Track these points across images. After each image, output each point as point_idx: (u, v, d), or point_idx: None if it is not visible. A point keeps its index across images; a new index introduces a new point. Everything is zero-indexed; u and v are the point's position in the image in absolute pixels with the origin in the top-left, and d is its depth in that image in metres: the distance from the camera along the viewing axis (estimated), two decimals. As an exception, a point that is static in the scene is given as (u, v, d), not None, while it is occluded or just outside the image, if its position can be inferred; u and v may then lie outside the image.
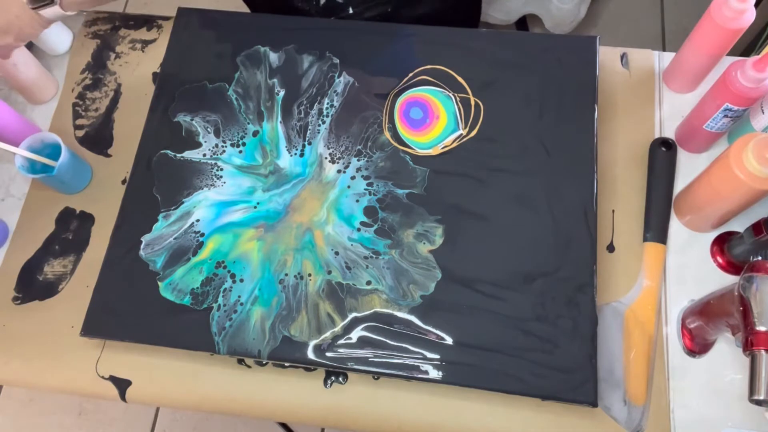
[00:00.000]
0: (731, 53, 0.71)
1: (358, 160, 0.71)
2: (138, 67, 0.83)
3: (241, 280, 0.66)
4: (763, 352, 0.49)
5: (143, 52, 0.84)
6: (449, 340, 0.62)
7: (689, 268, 0.68)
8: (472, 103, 0.72)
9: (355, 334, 0.63)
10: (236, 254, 0.67)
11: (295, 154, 0.72)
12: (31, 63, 0.79)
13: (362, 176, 0.70)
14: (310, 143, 0.72)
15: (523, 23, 1.54)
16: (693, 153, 0.72)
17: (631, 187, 0.71)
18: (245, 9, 0.92)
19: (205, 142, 0.73)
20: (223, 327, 0.64)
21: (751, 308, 0.51)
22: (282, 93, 0.75)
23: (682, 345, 0.65)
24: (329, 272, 0.66)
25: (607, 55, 0.77)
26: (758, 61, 0.58)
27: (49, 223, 0.76)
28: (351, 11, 0.83)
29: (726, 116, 0.64)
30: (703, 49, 0.68)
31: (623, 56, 0.78)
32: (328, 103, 0.73)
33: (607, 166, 0.72)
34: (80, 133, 0.80)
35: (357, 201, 0.69)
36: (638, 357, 0.63)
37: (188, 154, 0.73)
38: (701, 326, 0.61)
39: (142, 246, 0.69)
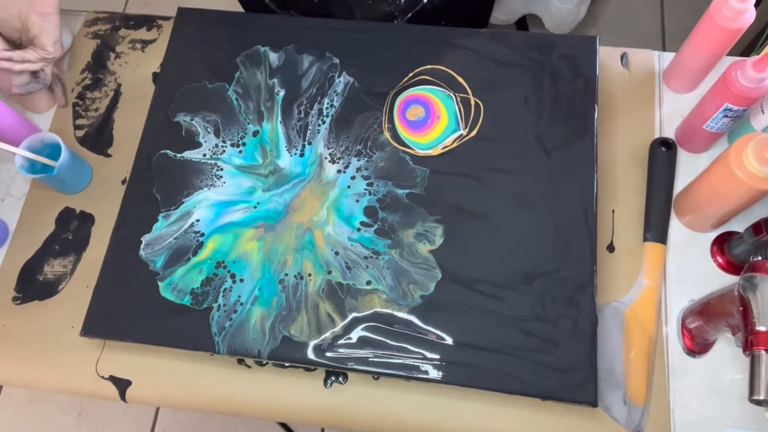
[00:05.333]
0: (731, 53, 0.71)
1: (358, 160, 0.71)
2: (138, 67, 0.83)
3: (241, 280, 0.66)
4: (763, 352, 0.49)
5: (143, 52, 0.84)
6: (449, 340, 0.62)
7: (689, 268, 0.68)
8: (472, 103, 0.72)
9: (355, 334, 0.63)
10: (236, 254, 0.67)
11: (295, 154, 0.72)
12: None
13: (362, 176, 0.70)
14: (310, 143, 0.72)
15: (523, 23, 1.53)
16: (693, 153, 0.72)
17: (631, 187, 0.71)
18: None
19: (205, 142, 0.73)
20: (223, 327, 0.64)
21: (751, 308, 0.51)
22: (282, 93, 0.75)
23: (682, 345, 0.65)
24: (329, 272, 0.66)
25: (607, 55, 0.77)
26: (758, 61, 0.58)
27: (49, 223, 0.76)
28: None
29: (726, 116, 0.64)
30: (703, 49, 0.68)
31: (623, 56, 0.78)
32: (328, 103, 0.73)
33: (607, 166, 0.72)
34: (80, 133, 0.80)
35: (357, 201, 0.69)
36: (638, 357, 0.63)
37: (188, 154, 0.73)
38: (701, 326, 0.61)
39: (142, 246, 0.69)
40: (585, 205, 0.66)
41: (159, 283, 0.67)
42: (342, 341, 0.63)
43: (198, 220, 0.69)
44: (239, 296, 0.65)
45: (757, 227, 0.60)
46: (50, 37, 0.72)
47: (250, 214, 0.69)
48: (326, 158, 0.71)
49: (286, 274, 0.66)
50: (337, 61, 0.75)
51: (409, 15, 0.82)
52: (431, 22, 0.83)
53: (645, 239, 0.68)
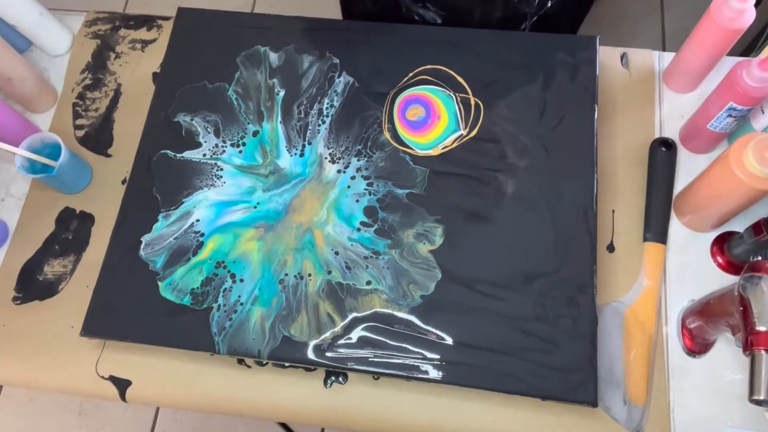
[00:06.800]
0: (731, 53, 0.71)
1: (358, 160, 0.71)
2: (138, 67, 0.83)
3: (241, 280, 0.66)
4: (763, 352, 0.49)
5: (143, 52, 0.84)
6: (449, 340, 0.62)
7: (689, 268, 0.68)
8: (472, 103, 0.72)
9: (355, 334, 0.63)
10: (236, 254, 0.67)
11: (295, 154, 0.72)
12: (28, 77, 0.78)
13: (362, 176, 0.70)
14: (310, 143, 0.72)
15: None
16: (697, 153, 0.72)
17: (631, 187, 0.71)
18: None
19: (205, 142, 0.73)
20: (223, 327, 0.64)
21: (751, 308, 0.51)
22: (282, 93, 0.75)
23: (682, 345, 0.65)
24: (329, 272, 0.66)
25: (607, 55, 0.77)
26: (764, 60, 0.58)
27: (49, 223, 0.76)
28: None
29: (730, 116, 0.64)
30: (703, 49, 0.68)
31: (623, 56, 0.78)
32: (328, 103, 0.73)
33: (607, 166, 0.72)
34: (80, 133, 0.80)
35: (357, 201, 0.69)
36: (638, 357, 0.63)
37: (188, 154, 0.73)
38: (701, 326, 0.61)
39: (142, 246, 0.69)
40: (585, 205, 0.66)
41: (159, 283, 0.67)
42: (342, 341, 0.63)
43: (198, 220, 0.69)
44: (239, 296, 0.65)
45: (757, 227, 0.60)
46: None
47: (250, 214, 0.69)
48: (326, 158, 0.71)
49: (286, 274, 0.66)
50: (337, 61, 0.75)
51: (535, 18, 0.83)
52: (549, 24, 0.84)
53: (645, 239, 0.68)
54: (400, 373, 0.61)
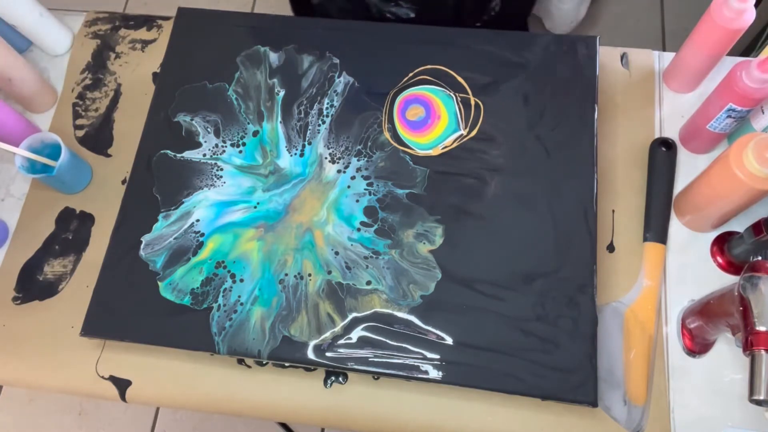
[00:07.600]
0: (731, 53, 0.71)
1: (358, 160, 0.71)
2: (138, 67, 0.83)
3: (241, 280, 0.66)
4: (763, 352, 0.49)
5: (143, 52, 0.84)
6: (449, 340, 0.62)
7: (689, 268, 0.68)
8: (472, 103, 0.72)
9: (355, 334, 0.63)
10: (236, 254, 0.67)
11: (295, 154, 0.72)
12: (29, 77, 0.78)
13: (362, 176, 0.70)
14: (310, 143, 0.72)
15: (523, 23, 1.53)
16: (696, 154, 0.72)
17: (631, 187, 0.71)
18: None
19: (205, 142, 0.73)
20: (223, 327, 0.64)
21: (751, 308, 0.51)
22: (282, 93, 0.75)
23: (682, 345, 0.65)
24: (329, 272, 0.66)
25: (607, 55, 0.77)
26: (763, 61, 0.58)
27: (49, 223, 0.76)
28: None
29: (729, 117, 0.64)
30: (703, 49, 0.68)
31: (623, 56, 0.78)
32: (328, 103, 0.73)
33: (607, 166, 0.72)
34: (80, 133, 0.80)
35: (357, 201, 0.69)
36: (638, 357, 0.63)
37: (188, 154, 0.73)
38: (701, 326, 0.61)
39: (142, 246, 0.69)
40: (585, 205, 0.66)
41: (159, 283, 0.67)
42: (342, 341, 0.63)
43: (198, 220, 0.69)
44: (239, 296, 0.65)
45: (757, 227, 0.60)
46: None
47: (250, 214, 0.69)
48: (326, 158, 0.71)
49: (286, 274, 0.66)
50: (337, 61, 0.75)
51: None
52: (511, 12, 0.84)
53: (645, 239, 0.68)
54: (400, 373, 0.61)
